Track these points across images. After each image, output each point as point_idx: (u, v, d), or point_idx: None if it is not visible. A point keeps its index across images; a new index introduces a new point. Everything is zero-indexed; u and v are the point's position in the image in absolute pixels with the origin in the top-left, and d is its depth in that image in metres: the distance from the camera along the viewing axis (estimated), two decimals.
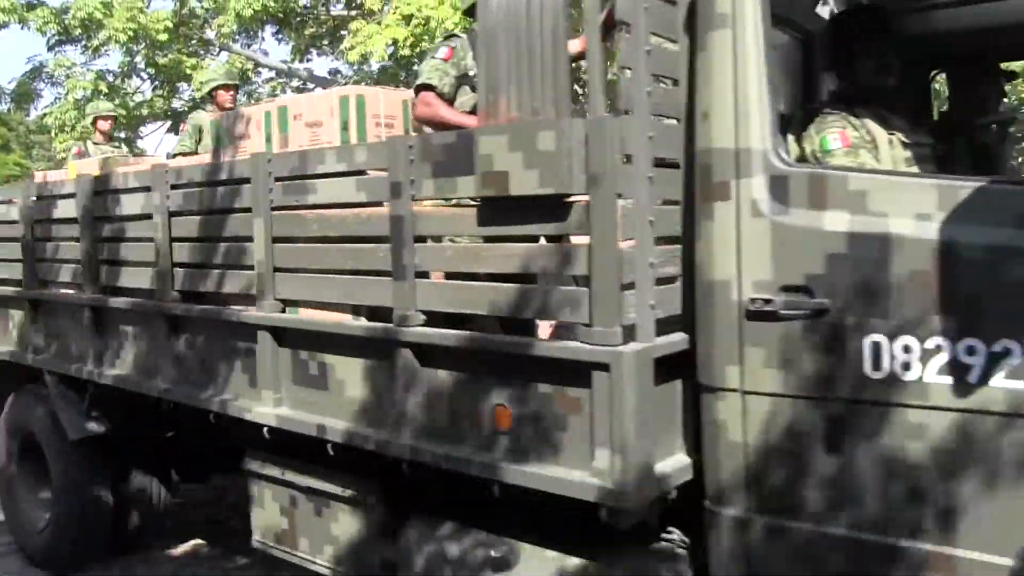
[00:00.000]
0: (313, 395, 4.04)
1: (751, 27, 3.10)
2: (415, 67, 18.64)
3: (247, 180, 4.15)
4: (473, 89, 4.34)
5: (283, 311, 4.16)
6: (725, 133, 3.13)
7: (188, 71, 16.68)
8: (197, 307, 4.60)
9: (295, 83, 18.78)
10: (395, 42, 16.31)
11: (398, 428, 3.64)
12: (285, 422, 4.12)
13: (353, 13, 17.94)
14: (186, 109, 17.89)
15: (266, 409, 4.19)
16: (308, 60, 18.37)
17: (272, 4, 16.57)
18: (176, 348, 4.75)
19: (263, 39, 18.59)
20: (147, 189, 4.77)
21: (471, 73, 4.29)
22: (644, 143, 3.14)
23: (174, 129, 18.03)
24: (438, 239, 3.76)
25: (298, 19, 18.05)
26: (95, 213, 5.22)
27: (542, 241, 3.51)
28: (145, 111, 16.73)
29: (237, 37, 17.56)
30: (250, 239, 4.18)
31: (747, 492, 3.11)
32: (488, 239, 3.45)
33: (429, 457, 3.52)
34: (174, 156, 6.56)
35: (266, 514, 4.53)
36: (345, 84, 18.67)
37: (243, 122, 4.38)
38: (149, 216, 4.76)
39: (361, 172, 3.80)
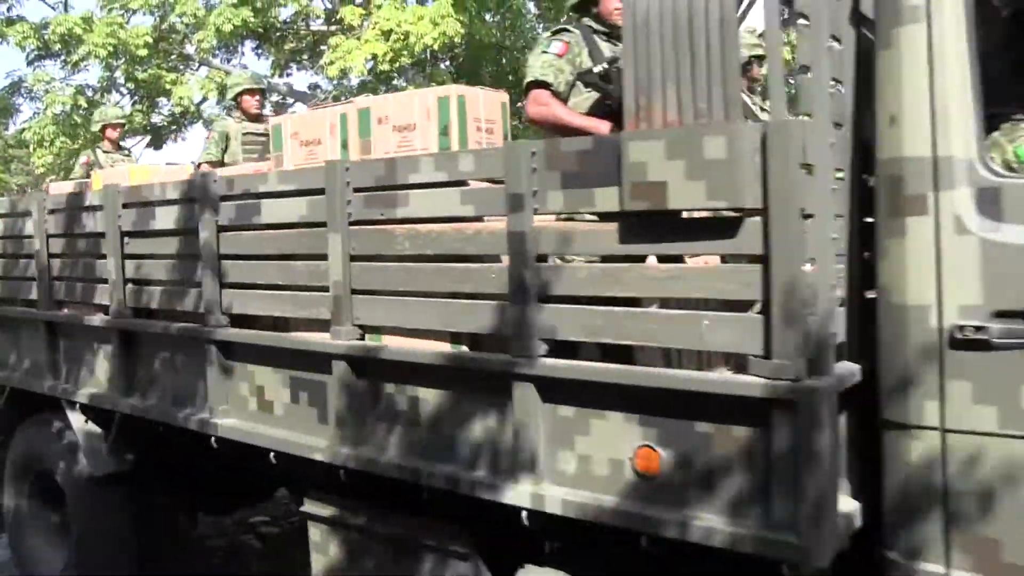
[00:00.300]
0: (400, 433, 3.50)
1: (952, 21, 2.66)
2: (394, 82, 18.26)
3: (319, 191, 3.61)
4: (588, 88, 3.85)
5: (362, 338, 3.62)
6: (920, 140, 2.68)
7: (168, 86, 16.07)
8: (252, 333, 4.03)
9: (274, 98, 18.22)
10: (375, 57, 15.97)
11: (513, 473, 3.12)
12: (364, 463, 3.57)
13: (333, 28, 17.52)
14: (165, 124, 17.27)
15: (343, 449, 3.65)
16: (288, 75, 17.88)
17: (252, 19, 16.11)
18: (227, 379, 4.17)
19: (243, 54, 18.03)
20: (191, 201, 4.20)
21: (595, 70, 3.79)
22: (825, 151, 2.70)
23: (154, 144, 17.38)
24: (563, 258, 3.25)
25: (278, 34, 17.60)
26: (126, 227, 4.61)
27: (689, 261, 3.05)
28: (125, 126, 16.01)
29: (217, 52, 17.00)
30: (322, 257, 3.63)
31: (948, 544, 2.64)
32: (623, 259, 2.96)
33: (558, 507, 3.00)
34: (199, 165, 6.01)
35: (330, 561, 3.96)
36: (325, 99, 18.17)
37: (311, 125, 3.83)
38: (193, 231, 4.18)
39: (461, 183, 3.29)
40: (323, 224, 3.62)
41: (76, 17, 15.25)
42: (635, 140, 2.79)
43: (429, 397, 3.41)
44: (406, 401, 3.47)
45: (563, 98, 3.86)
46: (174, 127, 16.73)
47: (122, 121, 8.70)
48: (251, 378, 4.08)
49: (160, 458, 5.03)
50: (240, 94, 6.50)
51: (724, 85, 2.75)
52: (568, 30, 4.01)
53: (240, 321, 4.14)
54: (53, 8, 16.62)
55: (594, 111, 3.82)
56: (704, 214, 2.83)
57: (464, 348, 3.39)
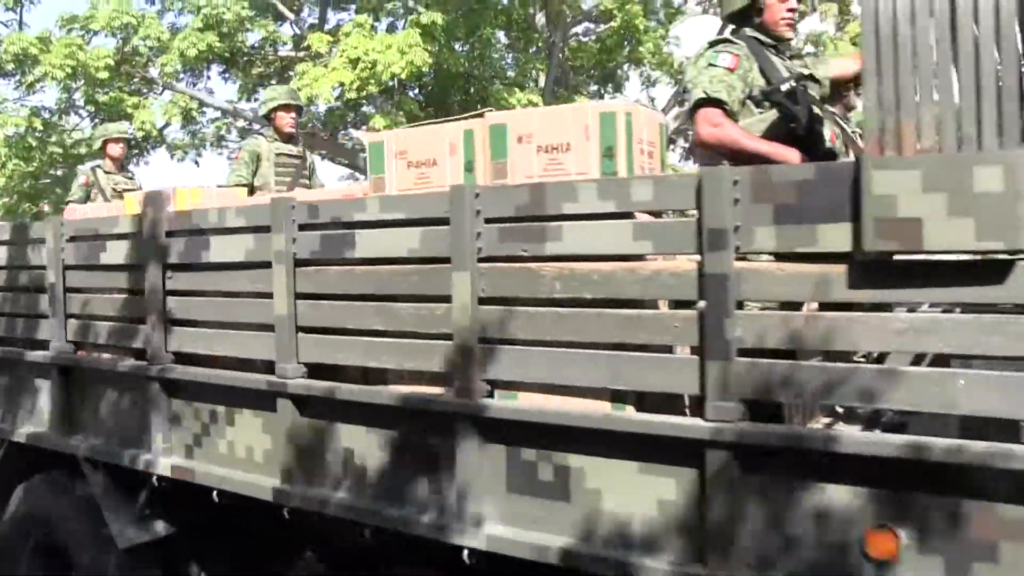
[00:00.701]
0: (544, 508, 2.90)
1: None
2: (363, 108, 17.68)
3: (439, 221, 3.01)
4: (760, 107, 3.32)
5: (491, 395, 3.01)
6: None
7: (129, 110, 15.22)
8: (345, 387, 3.38)
9: (240, 123, 17.48)
10: (342, 85, 15.45)
11: (715, 555, 2.55)
12: (499, 544, 2.95)
13: (301, 54, 16.91)
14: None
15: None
16: (255, 100, 17.06)
17: (218, 44, 15.45)
18: (309, 443, 3.51)
19: (209, 78, 17.20)
20: (262, 230, 3.55)
21: (783, 88, 3.26)
22: None
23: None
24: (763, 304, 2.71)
25: (245, 59, 16.87)
26: (168, 259, 3.93)
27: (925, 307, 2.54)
28: (83, 150, 15.06)
29: (182, 76, 16.18)
30: (442, 299, 3.03)
31: None
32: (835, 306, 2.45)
33: None
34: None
35: None
36: None
37: (423, 144, 3.22)
38: (265, 264, 3.53)
39: (627, 215, 2.73)
40: (442, 260, 3.02)
41: (31, 37, 14.31)
42: (881, 169, 2.30)
43: (584, 466, 2.85)
44: (552, 470, 2.89)
45: (734, 119, 3.33)
46: (136, 151, 15.79)
47: (126, 136, 7.62)
48: (348, 442, 3.44)
49: (198, 525, 4.31)
50: (274, 110, 5.70)
51: (998, 103, 2.24)
52: (732, 41, 3.47)
53: (321, 372, 3.48)
54: (6, 25, 15.64)
55: (769, 135, 3.30)
56: (960, 256, 2.33)
57: (629, 408, 2.80)
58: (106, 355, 4.34)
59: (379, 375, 3.35)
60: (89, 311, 4.38)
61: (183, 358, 3.98)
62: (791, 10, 3.48)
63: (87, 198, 6.92)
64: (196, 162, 17.05)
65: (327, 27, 17.39)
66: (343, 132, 18.63)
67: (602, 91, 19.14)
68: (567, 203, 2.77)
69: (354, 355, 3.33)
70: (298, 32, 17.75)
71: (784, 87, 3.23)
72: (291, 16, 17.77)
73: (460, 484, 3.04)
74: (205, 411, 3.92)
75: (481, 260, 2.95)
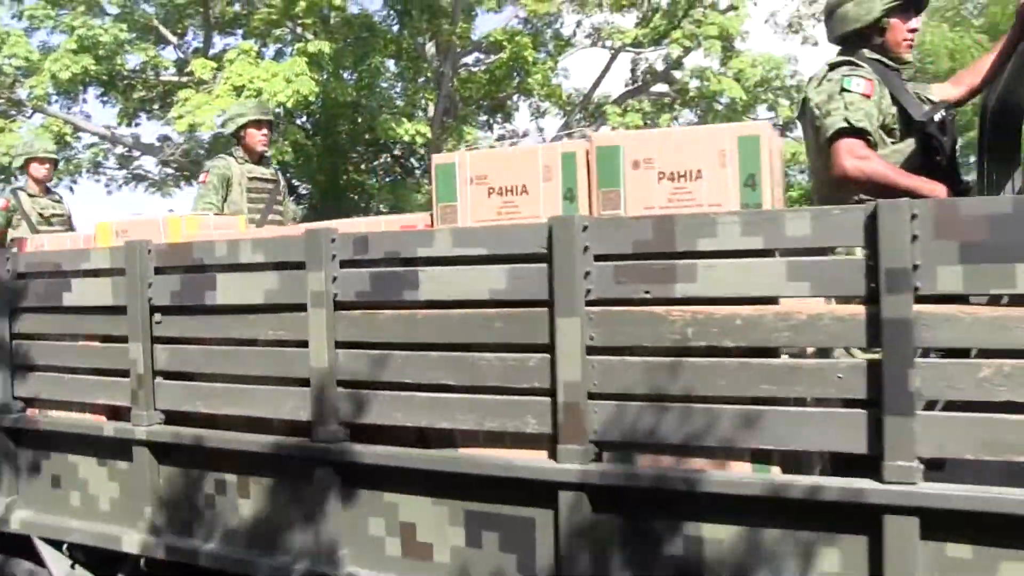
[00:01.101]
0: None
1: None
2: None
3: (537, 258, 2.57)
4: (890, 135, 3.01)
5: (599, 457, 2.58)
6: None
7: None
8: (413, 452, 2.88)
9: (119, 149, 16.36)
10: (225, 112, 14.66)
11: None
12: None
13: (184, 79, 16.01)
14: None
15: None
16: (137, 124, 16.06)
17: (94, 67, 14.41)
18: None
19: (85, 101, 16.03)
20: (291, 267, 3.01)
21: (935, 117, 2.95)
22: None
23: None
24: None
25: (125, 82, 15.82)
26: (156, 300, 3.32)
27: None
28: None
29: (55, 99, 15.00)
30: (536, 348, 2.59)
31: None
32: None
33: None
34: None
35: None
36: (173, 153, 16.53)
37: (509, 167, 2.76)
38: (294, 307, 2.99)
39: (767, 252, 2.37)
40: (536, 303, 2.57)
41: None
42: None
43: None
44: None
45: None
46: (2, 177, 14.47)
47: (52, 156, 6.55)
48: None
49: None
50: (243, 127, 5.01)
51: None
52: (857, 64, 3.15)
53: (365, 433, 2.97)
54: None
55: (906, 168, 2.99)
56: None
57: (775, 470, 2.42)
58: (74, 413, 3.66)
59: (443, 436, 2.85)
60: (47, 361, 3.68)
61: (176, 418, 3.36)
62: (912, 31, 3.21)
63: (8, 224, 6.07)
64: (71, 188, 15.83)
65: (212, 52, 16.55)
66: None
67: (491, 121, 18.92)
68: (703, 239, 2.38)
69: (415, 413, 2.82)
70: (182, 56, 16.79)
71: (936, 116, 2.94)
72: (174, 40, 16.83)
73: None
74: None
75: (591, 304, 2.52)
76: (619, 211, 2.61)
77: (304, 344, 2.98)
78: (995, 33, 13.30)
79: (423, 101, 17.85)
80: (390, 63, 17.80)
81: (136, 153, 17.13)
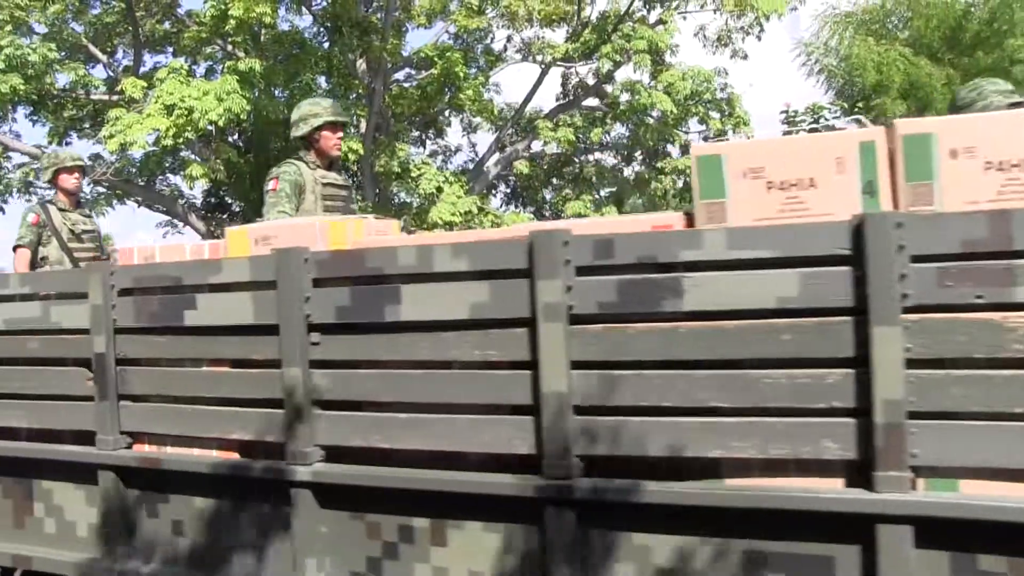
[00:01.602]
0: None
1: None
2: (181, 154, 15.87)
3: (833, 259, 2.17)
4: None
5: (913, 486, 2.19)
6: None
7: None
8: (675, 487, 2.41)
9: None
10: (157, 131, 13.89)
11: None
12: None
13: (115, 98, 14.98)
14: None
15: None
16: (68, 143, 14.90)
17: (23, 86, 13.32)
18: None
19: (15, 120, 14.82)
20: (506, 275, 2.51)
21: None
22: None
23: None
24: None
25: (55, 101, 14.70)
26: (315, 318, 2.76)
27: None
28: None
29: None
30: (842, 363, 2.19)
31: None
32: None
33: None
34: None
35: None
36: (104, 173, 15.41)
37: (791, 159, 2.34)
38: (514, 322, 2.50)
39: None
40: (842, 311, 2.17)
41: None
42: None
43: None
44: None
45: None
46: None
47: (81, 163, 5.59)
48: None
49: None
50: (317, 129, 4.26)
51: None
52: None
53: (604, 465, 2.49)
54: None
55: None
56: None
57: None
58: (194, 450, 3.05)
59: (700, 467, 2.40)
60: (162, 391, 3.06)
61: (336, 454, 2.80)
62: None
63: (39, 242, 5.24)
64: (1, 209, 14.57)
65: (143, 70, 15.54)
66: (160, 178, 16.70)
67: (424, 137, 18.38)
68: None
69: (673, 441, 2.36)
70: (112, 75, 15.73)
71: None
72: (104, 59, 15.75)
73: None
74: None
75: (907, 310, 2.12)
76: (933, 207, 2.22)
77: (521, 365, 2.49)
78: (919, 47, 13.55)
79: (355, 118, 17.18)
80: (321, 80, 17.09)
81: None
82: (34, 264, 5.17)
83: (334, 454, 2.79)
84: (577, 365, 2.43)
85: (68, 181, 5.34)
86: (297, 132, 4.27)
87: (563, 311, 2.42)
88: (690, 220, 2.49)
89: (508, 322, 2.51)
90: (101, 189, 16.04)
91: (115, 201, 16.26)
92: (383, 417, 2.70)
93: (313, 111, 4.26)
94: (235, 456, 2.98)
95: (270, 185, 4.11)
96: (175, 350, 3.03)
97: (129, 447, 3.16)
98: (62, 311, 3.25)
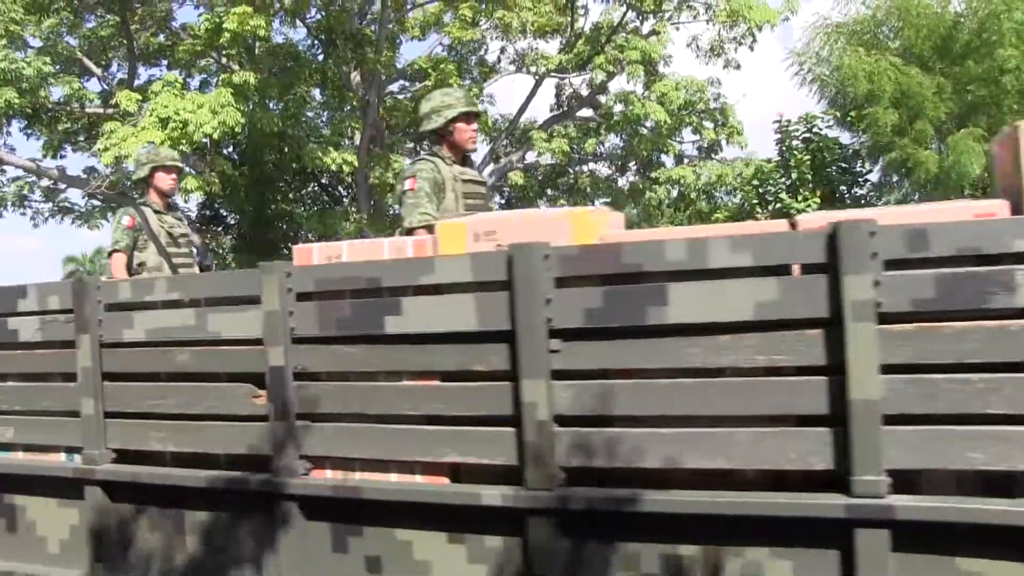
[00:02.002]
0: None
1: None
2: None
3: None
4: None
5: None
6: None
7: None
8: None
9: (45, 182, 14.52)
10: (151, 144, 13.38)
11: None
12: None
13: (110, 111, 14.41)
14: None
15: None
16: (62, 156, 14.33)
17: (18, 100, 12.77)
18: None
19: (9, 134, 14.22)
20: (817, 270, 2.17)
21: None
22: None
23: None
24: None
25: (50, 115, 14.11)
26: (559, 321, 2.38)
27: None
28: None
29: None
30: None
31: None
32: None
33: None
34: (410, 231, 3.51)
35: None
36: (99, 186, 14.79)
37: None
38: (812, 323, 2.16)
39: None
40: None
41: None
42: None
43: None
44: None
45: None
46: None
47: (179, 164, 5.10)
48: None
49: None
50: (452, 121, 3.80)
51: None
52: None
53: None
54: None
55: None
56: None
57: None
58: (392, 476, 2.65)
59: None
60: (350, 408, 2.66)
61: (581, 477, 2.42)
62: None
63: (135, 246, 4.75)
64: None
65: (137, 83, 14.98)
66: None
67: (418, 148, 17.95)
68: None
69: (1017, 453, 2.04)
70: (106, 88, 15.14)
71: None
72: (98, 72, 15.17)
73: None
74: None
75: None
76: None
77: (816, 371, 2.15)
78: (910, 57, 13.48)
79: (349, 130, 16.77)
80: (316, 92, 16.69)
81: (62, 186, 15.27)
82: (130, 271, 4.69)
83: (576, 477, 2.41)
84: (887, 369, 2.10)
85: (165, 181, 4.86)
86: (429, 125, 3.86)
87: (871, 309, 2.08)
88: (1015, 207, 2.18)
89: (802, 323, 2.16)
90: (96, 202, 15.42)
91: (109, 214, 15.62)
92: (645, 433, 2.33)
93: (446, 102, 3.85)
94: (443, 480, 2.58)
95: (407, 185, 3.70)
96: (369, 362, 2.62)
97: (307, 473, 2.74)
98: (223, 319, 2.84)
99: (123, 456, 3.09)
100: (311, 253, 2.79)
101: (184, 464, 2.99)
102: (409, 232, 3.59)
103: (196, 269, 5.03)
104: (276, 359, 2.70)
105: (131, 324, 3.01)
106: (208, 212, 17.33)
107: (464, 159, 3.93)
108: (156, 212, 4.80)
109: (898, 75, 13.43)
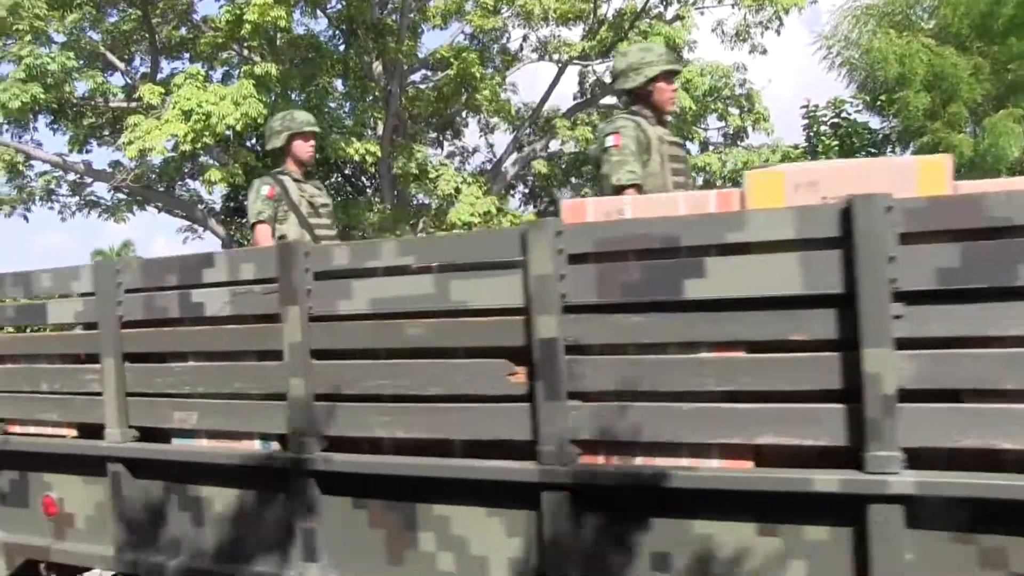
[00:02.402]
0: None
1: None
2: (200, 159, 14.87)
3: None
4: None
5: None
6: None
7: None
8: None
9: (71, 176, 14.09)
10: (175, 137, 13.07)
11: None
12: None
13: (133, 105, 14.02)
14: None
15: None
16: (88, 151, 13.94)
17: (43, 95, 12.40)
18: None
19: (36, 129, 13.86)
20: None
21: None
22: None
23: None
24: None
25: (75, 109, 13.75)
26: (906, 282, 2.06)
27: None
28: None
29: (6, 128, 12.88)
30: None
31: None
32: None
33: None
34: (619, 189, 3.15)
35: None
36: (124, 179, 14.34)
37: None
38: None
39: None
40: None
41: None
42: None
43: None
44: None
45: None
46: None
47: (316, 129, 4.62)
48: None
49: None
50: (653, 80, 3.45)
51: None
52: None
53: None
54: None
55: None
56: None
57: None
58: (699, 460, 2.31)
59: None
60: (636, 385, 2.32)
61: (923, 457, 2.10)
62: None
63: (275, 217, 4.37)
64: (25, 217, 13.50)
65: (160, 76, 14.59)
66: (180, 183, 15.62)
67: (441, 138, 17.60)
68: None
69: None
70: (129, 82, 14.73)
71: None
72: (121, 66, 14.75)
73: None
74: None
75: None
76: None
77: None
78: (946, 37, 13.20)
79: (372, 120, 16.37)
80: (338, 83, 16.28)
81: (88, 180, 14.84)
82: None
83: (918, 457, 2.09)
84: None
85: (303, 149, 4.44)
86: (627, 84, 3.50)
87: None
88: None
89: None
90: (122, 196, 14.99)
91: (135, 207, 15.20)
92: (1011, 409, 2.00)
93: (646, 59, 3.49)
94: (747, 465, 2.25)
95: (610, 141, 3.33)
96: (659, 332, 2.28)
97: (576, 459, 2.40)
98: (471, 287, 2.48)
99: (334, 444, 2.73)
100: (584, 209, 2.44)
101: (407, 452, 2.64)
102: (618, 191, 3.25)
103: (338, 240, 4.64)
104: (546, 330, 2.35)
105: (349, 294, 2.65)
106: (232, 204, 16.86)
107: (661, 121, 3.57)
108: (295, 181, 4.40)
109: (931, 56, 13.15)
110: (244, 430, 2.88)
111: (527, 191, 17.96)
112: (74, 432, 3.34)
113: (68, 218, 14.45)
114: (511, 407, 2.44)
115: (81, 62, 13.68)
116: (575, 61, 16.08)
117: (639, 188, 3.26)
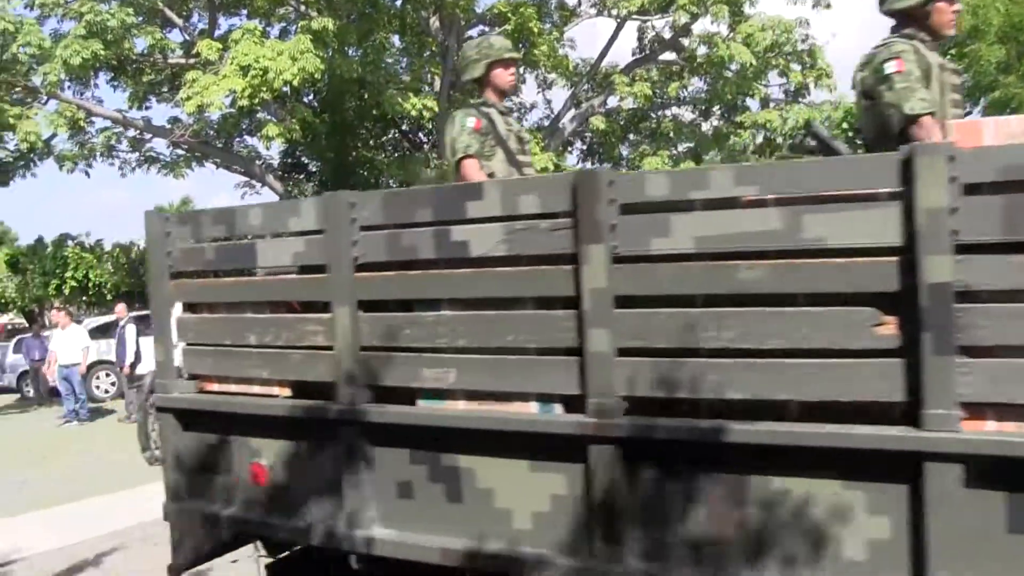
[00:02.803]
0: None
1: None
2: (258, 115, 14.48)
3: None
4: None
5: None
6: None
7: (12, 120, 11.56)
8: None
9: (131, 132, 13.76)
10: (233, 92, 12.70)
11: None
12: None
13: (191, 61, 13.64)
14: (11, 160, 12.36)
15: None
16: (148, 107, 13.74)
17: (103, 52, 12.14)
18: None
19: (97, 86, 13.70)
20: None
21: None
22: None
23: (1, 181, 12.30)
24: None
25: (134, 66, 13.53)
26: None
27: None
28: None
29: (67, 85, 12.61)
30: None
31: None
32: None
33: None
34: (913, 119, 2.69)
35: None
36: (183, 134, 13.96)
37: None
38: None
39: None
40: None
41: None
42: None
43: None
44: None
45: None
46: (22, 163, 11.76)
47: (516, 55, 4.02)
48: None
49: None
50: (928, 2, 2.94)
51: None
52: None
53: None
54: None
55: None
56: None
57: None
58: None
59: None
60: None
61: None
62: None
63: (482, 152, 3.83)
64: (87, 173, 13.34)
65: (218, 32, 14.25)
66: (237, 139, 15.23)
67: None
68: None
69: None
70: (187, 38, 14.38)
71: None
72: (180, 22, 14.46)
73: None
74: None
75: None
76: None
77: None
78: None
79: (429, 75, 15.89)
80: (395, 38, 15.86)
81: (147, 136, 14.59)
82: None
83: None
84: None
85: (503, 77, 3.84)
86: (901, 3, 3.05)
87: None
88: None
89: None
90: (180, 151, 14.65)
91: (194, 163, 14.86)
92: None
93: None
94: None
95: (892, 67, 2.88)
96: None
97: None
98: (832, 221, 2.07)
99: (638, 406, 2.34)
100: (980, 130, 2.01)
101: (732, 416, 2.25)
102: (911, 121, 2.82)
103: None
104: (935, 273, 1.95)
105: (666, 231, 2.24)
106: (290, 160, 16.51)
107: (937, 48, 3.11)
108: (501, 113, 3.88)
109: (1008, 6, 12.56)
110: (519, 390, 2.48)
111: (585, 147, 17.47)
112: (287, 391, 2.97)
113: (128, 174, 14.22)
114: (880, 363, 2.04)
115: (140, 18, 13.63)
116: (634, 16, 15.48)
117: (933, 118, 2.83)
